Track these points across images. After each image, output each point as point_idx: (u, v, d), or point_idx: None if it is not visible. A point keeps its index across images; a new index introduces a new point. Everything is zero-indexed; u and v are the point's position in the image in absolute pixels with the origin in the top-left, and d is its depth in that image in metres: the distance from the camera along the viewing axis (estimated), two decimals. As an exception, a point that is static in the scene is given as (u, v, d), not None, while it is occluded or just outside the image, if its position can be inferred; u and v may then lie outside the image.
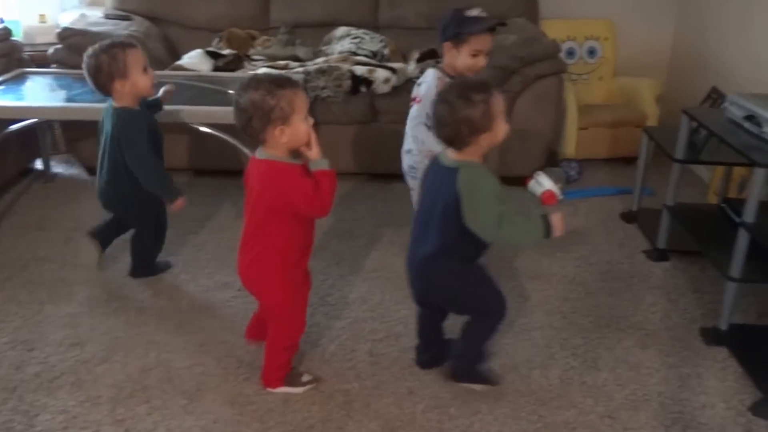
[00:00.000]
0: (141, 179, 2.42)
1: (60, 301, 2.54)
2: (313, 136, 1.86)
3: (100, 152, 2.50)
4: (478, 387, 2.10)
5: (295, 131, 1.81)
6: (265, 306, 2.09)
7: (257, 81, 1.80)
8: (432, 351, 2.18)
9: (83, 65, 2.36)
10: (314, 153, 1.86)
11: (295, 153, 1.88)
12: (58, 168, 3.78)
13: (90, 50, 2.34)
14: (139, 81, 2.36)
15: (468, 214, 1.81)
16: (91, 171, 3.70)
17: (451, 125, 1.80)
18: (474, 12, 2.38)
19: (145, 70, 2.37)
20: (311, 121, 1.85)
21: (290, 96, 1.79)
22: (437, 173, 1.91)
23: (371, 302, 2.55)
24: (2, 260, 2.82)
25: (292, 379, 2.08)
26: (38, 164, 3.73)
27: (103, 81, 2.35)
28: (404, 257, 2.07)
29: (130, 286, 2.64)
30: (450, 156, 1.88)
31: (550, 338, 2.37)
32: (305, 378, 2.10)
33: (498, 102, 1.81)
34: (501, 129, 1.83)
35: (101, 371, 2.16)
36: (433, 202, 1.90)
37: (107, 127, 2.45)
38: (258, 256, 1.93)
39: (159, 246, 2.73)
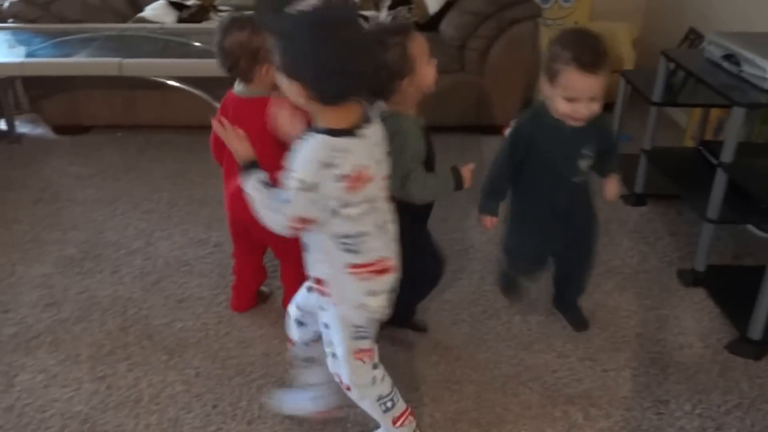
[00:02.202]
0: None
1: (33, 262, 2.48)
2: None
3: None
4: (407, 331, 2.10)
5: None
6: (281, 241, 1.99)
7: (240, 22, 1.82)
8: None
9: None
10: None
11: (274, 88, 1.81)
12: (23, 128, 3.67)
13: None
14: None
15: None
16: (57, 130, 3.61)
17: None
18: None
19: None
20: None
21: None
22: None
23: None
24: (-30, 222, 2.75)
25: None
26: (2, 125, 3.62)
27: None
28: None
29: (103, 245, 2.59)
30: (380, 106, 1.78)
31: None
32: None
33: (417, 44, 1.70)
34: (427, 73, 1.72)
35: (79, 330, 2.13)
36: None
37: None
38: None
39: None
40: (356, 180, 1.35)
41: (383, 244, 1.48)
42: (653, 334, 2.14)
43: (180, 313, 2.21)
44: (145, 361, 2.00)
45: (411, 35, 1.71)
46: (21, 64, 2.93)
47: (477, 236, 2.65)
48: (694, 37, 3.12)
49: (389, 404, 1.63)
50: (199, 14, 3.57)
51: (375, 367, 1.60)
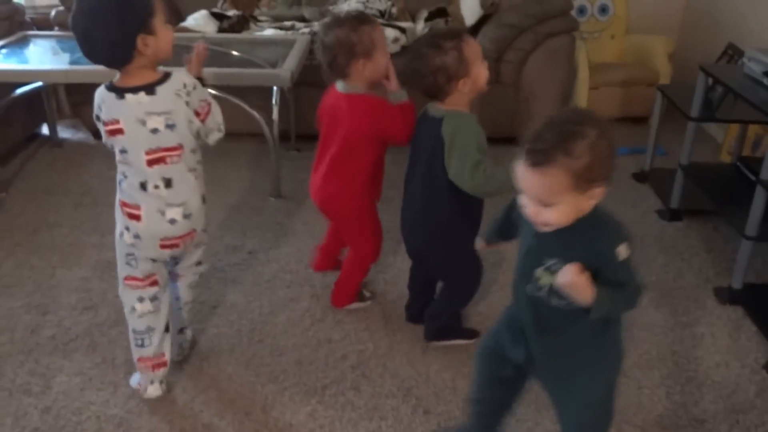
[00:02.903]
0: None
1: (72, 265, 2.53)
2: (392, 70, 1.97)
3: None
4: (459, 341, 2.11)
5: (377, 64, 1.93)
6: (348, 230, 2.20)
7: (341, 19, 1.94)
8: (418, 304, 2.19)
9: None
10: (394, 85, 1.98)
11: (373, 86, 1.99)
12: (64, 133, 3.76)
13: None
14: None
15: (447, 161, 1.82)
16: (98, 136, 3.67)
17: (427, 75, 1.79)
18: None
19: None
20: (389, 54, 1.97)
21: (371, 32, 1.91)
22: (425, 125, 1.90)
23: (382, 264, 2.54)
24: (12, 225, 2.82)
25: (359, 297, 2.31)
26: (45, 129, 3.71)
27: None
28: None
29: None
30: (437, 107, 1.87)
31: (563, 298, 2.36)
32: (366, 294, 2.33)
33: (471, 47, 1.79)
34: (481, 74, 1.81)
35: (115, 334, 2.16)
36: (419, 153, 1.93)
37: None
38: (348, 182, 2.05)
39: None
40: (109, 128, 1.66)
41: (138, 196, 1.71)
42: (689, 352, 2.11)
43: (214, 320, 2.24)
44: (179, 366, 2.03)
45: (465, 39, 1.79)
46: (66, 72, 2.99)
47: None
48: (732, 53, 3.08)
49: (139, 341, 1.85)
50: (239, 25, 3.62)
51: (140, 300, 1.81)
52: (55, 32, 3.49)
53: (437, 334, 2.11)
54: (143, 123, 1.64)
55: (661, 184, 3.08)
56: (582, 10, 4.09)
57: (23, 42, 3.30)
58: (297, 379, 1.98)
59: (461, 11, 3.67)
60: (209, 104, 1.79)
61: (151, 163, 1.67)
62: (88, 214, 2.90)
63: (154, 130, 1.65)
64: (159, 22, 1.61)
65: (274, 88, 2.90)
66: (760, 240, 2.27)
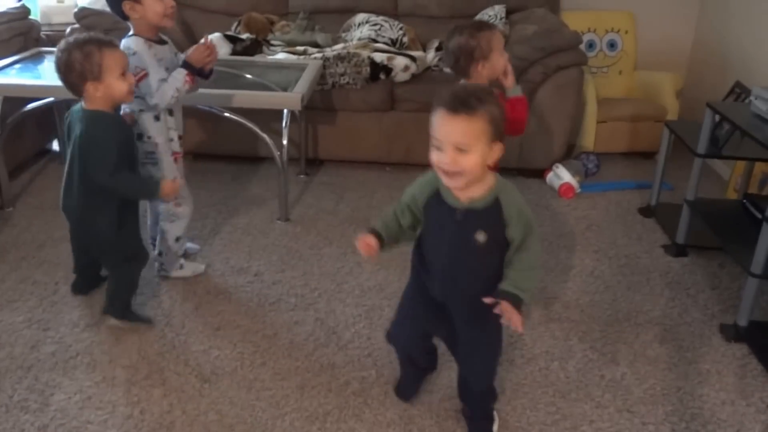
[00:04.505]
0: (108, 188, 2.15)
1: (75, 281, 2.53)
2: (509, 68, 2.16)
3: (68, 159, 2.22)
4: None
5: (494, 65, 2.11)
6: None
7: (461, 28, 2.16)
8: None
9: (55, 59, 2.08)
10: (509, 82, 2.17)
11: (491, 82, 2.14)
12: (73, 150, 3.77)
13: (63, 44, 2.05)
14: (114, 85, 2.04)
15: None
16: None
17: None
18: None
19: (123, 74, 2.06)
20: (507, 55, 2.16)
21: (489, 36, 2.09)
22: None
23: (388, 290, 2.54)
24: (18, 240, 2.82)
25: None
26: (55, 145, 3.73)
27: (73, 80, 2.06)
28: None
29: (145, 269, 2.63)
30: None
31: (568, 330, 2.35)
32: None
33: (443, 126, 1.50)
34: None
35: (117, 352, 2.15)
36: None
37: (75, 131, 2.17)
38: None
39: None
40: None
41: None
42: (694, 389, 2.09)
43: (217, 341, 2.23)
44: (180, 388, 2.01)
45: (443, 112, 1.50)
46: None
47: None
48: (740, 91, 3.10)
49: None
50: (252, 48, 3.65)
51: None
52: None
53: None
54: None
55: (667, 220, 3.08)
56: (591, 45, 4.13)
57: (37, 58, 3.33)
58: (298, 404, 1.96)
59: (471, 42, 3.70)
60: (145, 73, 2.19)
61: None
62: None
63: None
64: None
65: (285, 111, 2.91)
66: (765, 278, 2.26)
